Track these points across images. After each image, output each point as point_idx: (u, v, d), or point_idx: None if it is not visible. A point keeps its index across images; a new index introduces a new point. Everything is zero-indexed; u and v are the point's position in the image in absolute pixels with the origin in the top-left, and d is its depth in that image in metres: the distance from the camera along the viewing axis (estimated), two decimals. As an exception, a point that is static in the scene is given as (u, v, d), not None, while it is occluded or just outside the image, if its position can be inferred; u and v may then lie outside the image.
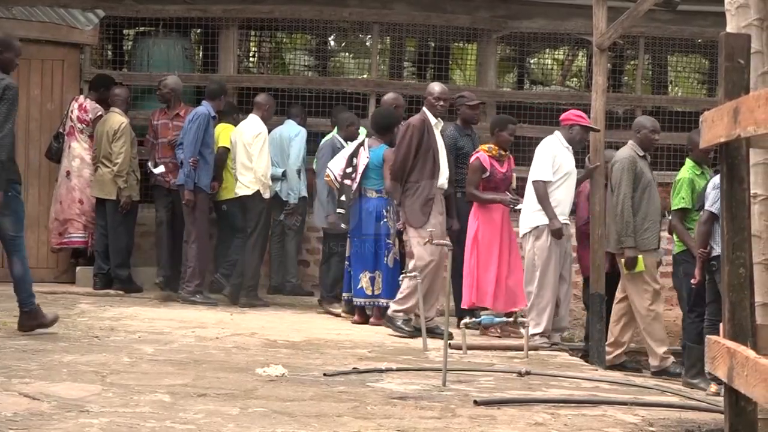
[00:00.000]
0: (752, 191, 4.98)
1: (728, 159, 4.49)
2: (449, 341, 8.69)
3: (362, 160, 11.66)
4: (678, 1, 11.47)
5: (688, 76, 17.36)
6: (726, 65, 4.49)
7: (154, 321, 10.92)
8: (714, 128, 4.48)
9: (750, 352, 4.04)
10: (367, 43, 16.71)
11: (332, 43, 18.62)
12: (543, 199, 10.90)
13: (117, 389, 7.11)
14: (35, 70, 13.83)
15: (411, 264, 10.92)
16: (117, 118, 13.12)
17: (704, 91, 16.71)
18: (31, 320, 9.40)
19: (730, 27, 5.41)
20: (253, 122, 12.98)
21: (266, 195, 12.83)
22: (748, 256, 4.51)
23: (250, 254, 12.89)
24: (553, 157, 10.98)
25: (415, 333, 10.52)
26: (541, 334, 10.85)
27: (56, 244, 13.59)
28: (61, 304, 11.92)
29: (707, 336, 4.62)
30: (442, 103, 11.26)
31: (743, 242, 4.47)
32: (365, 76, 16.28)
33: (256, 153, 12.73)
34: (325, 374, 8.13)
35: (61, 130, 13.50)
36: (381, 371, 8.41)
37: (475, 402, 7.25)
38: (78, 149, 13.35)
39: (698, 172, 10.60)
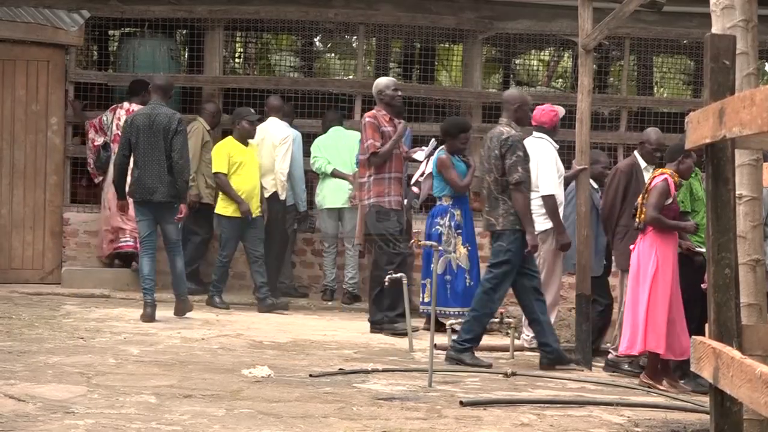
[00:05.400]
0: (738, 192, 4.98)
1: (714, 160, 4.50)
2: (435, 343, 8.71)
3: (427, 168, 11.81)
4: (663, 2, 11.46)
5: (674, 77, 17.39)
6: (711, 66, 4.49)
7: (139, 322, 10.90)
8: (699, 129, 4.48)
9: (735, 353, 4.05)
10: (353, 44, 16.71)
11: (318, 43, 18.62)
12: (554, 214, 10.73)
13: (102, 390, 7.10)
14: (20, 71, 13.80)
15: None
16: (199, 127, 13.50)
17: (689, 92, 16.74)
18: (185, 305, 11.45)
19: (716, 28, 5.41)
20: (278, 125, 13.19)
21: (283, 196, 12.91)
22: (734, 257, 4.52)
23: (272, 258, 12.91)
24: (556, 166, 10.95)
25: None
26: None
27: (108, 250, 13.51)
28: (47, 306, 11.91)
29: (693, 337, 4.63)
30: (654, 149, 10.84)
31: (728, 243, 4.48)
32: (351, 76, 16.28)
33: (281, 155, 12.87)
34: (311, 375, 8.13)
35: (107, 140, 13.48)
36: (367, 372, 8.42)
37: (461, 403, 7.26)
38: None
39: (692, 174, 10.58)
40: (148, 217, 11.29)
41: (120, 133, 12.90)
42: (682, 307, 9.56)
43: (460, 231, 11.54)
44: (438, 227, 11.52)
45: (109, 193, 13.24)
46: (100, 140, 13.56)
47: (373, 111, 11.40)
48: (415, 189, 12.16)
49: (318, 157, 13.33)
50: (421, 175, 12.03)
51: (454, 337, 10.01)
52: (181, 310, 11.45)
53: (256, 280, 12.70)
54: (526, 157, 9.59)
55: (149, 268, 11.24)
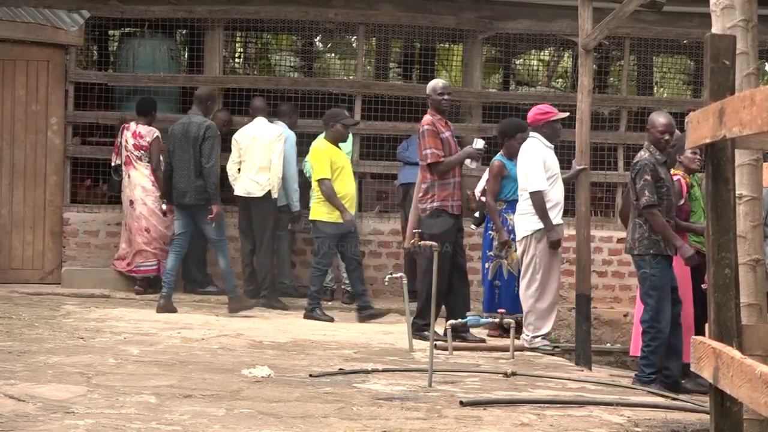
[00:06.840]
0: (738, 192, 4.98)
1: (714, 160, 4.49)
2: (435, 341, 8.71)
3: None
4: (663, 2, 11.47)
5: (674, 77, 17.38)
6: (711, 66, 4.49)
7: (139, 322, 10.91)
8: (699, 129, 4.48)
9: (735, 353, 4.05)
10: (353, 44, 16.71)
11: (318, 43, 18.62)
12: (542, 211, 10.78)
13: (102, 390, 7.10)
14: (20, 71, 13.80)
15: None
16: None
17: (689, 92, 16.72)
18: (237, 304, 12.14)
19: (716, 28, 5.41)
20: (266, 124, 13.11)
21: (275, 195, 12.81)
22: (734, 257, 4.52)
23: (266, 256, 12.86)
24: (543, 162, 10.95)
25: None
26: (544, 336, 10.87)
27: (127, 271, 13.44)
28: (47, 305, 11.92)
29: (693, 337, 4.63)
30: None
31: (728, 243, 4.48)
32: (351, 77, 16.27)
33: (277, 152, 12.79)
34: (311, 375, 8.13)
35: (118, 162, 13.46)
36: (367, 372, 8.41)
37: (461, 403, 7.25)
38: (138, 177, 13.18)
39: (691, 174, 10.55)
40: (184, 218, 12.25)
41: (129, 155, 13.13)
42: (692, 309, 9.60)
43: (513, 237, 11.37)
44: (491, 232, 11.47)
45: (128, 216, 13.25)
46: (115, 160, 13.55)
47: (429, 117, 10.94)
48: (483, 198, 11.91)
49: (308, 162, 13.21)
50: (487, 182, 11.81)
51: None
52: (232, 309, 12.08)
53: (357, 289, 12.41)
54: (657, 181, 9.33)
55: (172, 264, 12.13)
